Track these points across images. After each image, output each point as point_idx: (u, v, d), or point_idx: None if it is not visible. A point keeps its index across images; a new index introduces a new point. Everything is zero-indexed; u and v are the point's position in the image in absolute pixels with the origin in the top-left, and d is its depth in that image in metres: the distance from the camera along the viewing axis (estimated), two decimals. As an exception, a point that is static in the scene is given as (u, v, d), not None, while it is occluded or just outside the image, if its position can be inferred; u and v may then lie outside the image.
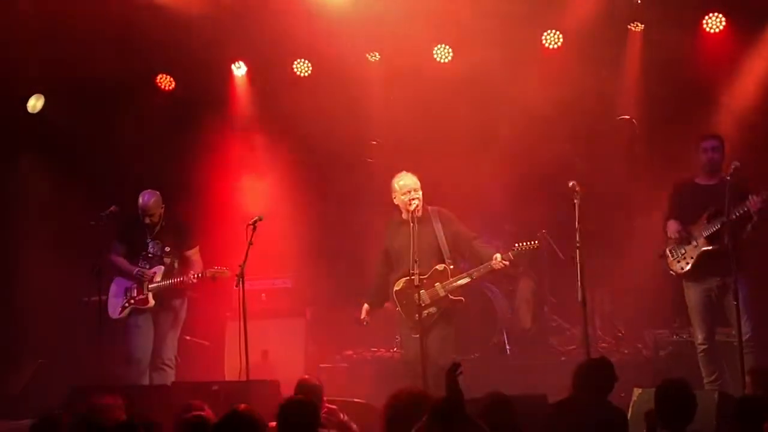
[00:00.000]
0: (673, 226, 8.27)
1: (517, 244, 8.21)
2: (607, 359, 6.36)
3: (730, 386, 7.94)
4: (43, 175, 10.82)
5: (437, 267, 8.17)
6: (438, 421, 4.58)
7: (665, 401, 5.62)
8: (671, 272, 8.34)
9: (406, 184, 8.25)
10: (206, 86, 10.97)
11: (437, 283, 8.14)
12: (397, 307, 8.27)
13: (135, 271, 9.15)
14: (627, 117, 10.30)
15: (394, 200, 8.36)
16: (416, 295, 7.95)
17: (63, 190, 10.66)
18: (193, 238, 9.40)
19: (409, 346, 8.19)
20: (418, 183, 8.26)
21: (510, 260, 8.16)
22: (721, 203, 7.74)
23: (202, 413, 5.58)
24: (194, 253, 9.32)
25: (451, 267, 8.20)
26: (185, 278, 9.12)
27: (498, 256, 8.09)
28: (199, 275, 9.07)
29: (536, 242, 8.23)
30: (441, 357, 7.87)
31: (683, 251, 8.20)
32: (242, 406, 4.87)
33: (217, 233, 10.00)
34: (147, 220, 9.16)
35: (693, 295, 8.29)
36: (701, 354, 8.27)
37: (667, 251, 8.31)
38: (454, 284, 8.18)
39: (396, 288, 8.23)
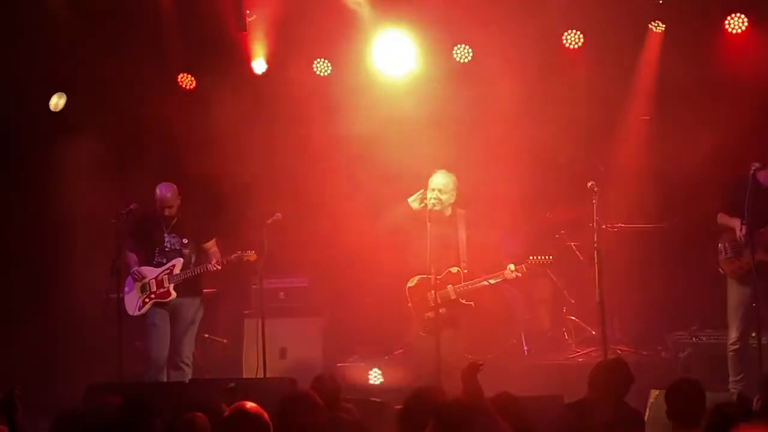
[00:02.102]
0: (742, 230, 8.00)
1: (531, 258, 8.25)
2: (623, 360, 6.34)
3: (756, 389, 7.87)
4: (65, 173, 10.84)
5: (451, 269, 8.18)
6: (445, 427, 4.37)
7: (676, 402, 5.64)
8: (720, 269, 8.24)
9: (432, 181, 8.25)
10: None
11: (449, 285, 8.15)
12: (408, 303, 8.28)
13: (132, 270, 9.11)
14: (647, 117, 10.26)
15: None
16: (428, 294, 7.98)
17: (85, 187, 10.68)
18: (210, 230, 9.39)
19: (419, 345, 8.20)
20: (449, 185, 8.23)
21: (523, 272, 8.18)
22: None
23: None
24: (212, 245, 9.30)
25: (465, 271, 8.19)
26: (208, 266, 9.07)
27: (511, 266, 8.11)
28: (224, 261, 9.02)
29: (550, 257, 8.25)
30: (451, 355, 7.88)
31: (741, 254, 8.04)
32: (248, 404, 4.82)
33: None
34: (166, 212, 9.13)
35: (737, 293, 8.20)
36: (731, 353, 8.23)
37: (721, 246, 8.17)
38: (466, 288, 8.18)
39: (409, 284, 8.25)
